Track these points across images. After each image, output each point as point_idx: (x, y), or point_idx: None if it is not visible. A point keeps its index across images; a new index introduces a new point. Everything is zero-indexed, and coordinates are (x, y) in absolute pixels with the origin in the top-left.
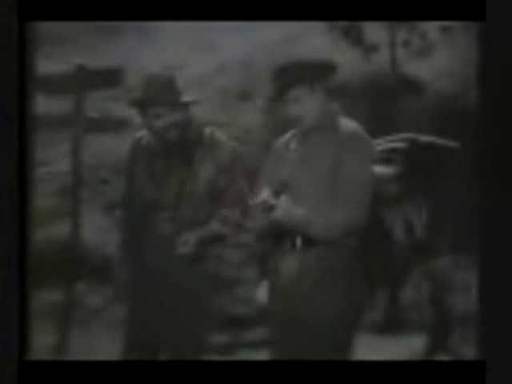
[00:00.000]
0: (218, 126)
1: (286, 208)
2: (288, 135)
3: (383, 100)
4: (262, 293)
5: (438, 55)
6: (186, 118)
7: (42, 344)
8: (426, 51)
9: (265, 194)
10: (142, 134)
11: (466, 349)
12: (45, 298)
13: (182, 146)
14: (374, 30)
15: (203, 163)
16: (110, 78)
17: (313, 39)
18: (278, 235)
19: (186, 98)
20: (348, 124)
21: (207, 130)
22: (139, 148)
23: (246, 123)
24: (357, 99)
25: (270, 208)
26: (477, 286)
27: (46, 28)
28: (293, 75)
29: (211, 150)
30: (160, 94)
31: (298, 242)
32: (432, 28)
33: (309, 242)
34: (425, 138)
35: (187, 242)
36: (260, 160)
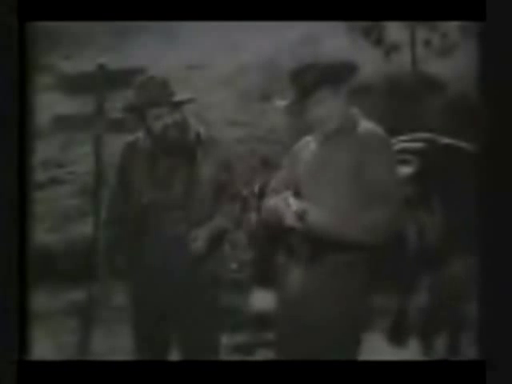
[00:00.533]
0: (240, 126)
1: (318, 214)
2: (308, 138)
3: (404, 99)
4: (261, 299)
5: (459, 55)
6: (184, 118)
7: (60, 343)
8: (446, 51)
9: (294, 204)
10: (135, 137)
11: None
12: (66, 296)
13: (182, 145)
14: (395, 30)
15: (204, 161)
16: (131, 77)
17: (334, 39)
18: (289, 242)
19: (181, 97)
20: (369, 126)
21: (202, 129)
22: (135, 151)
23: (268, 123)
24: (377, 99)
25: (303, 214)
26: (477, 287)
27: (65, 28)
28: (316, 77)
29: (210, 148)
30: (156, 94)
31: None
32: (453, 28)
33: (336, 248)
34: (442, 140)
35: (197, 237)
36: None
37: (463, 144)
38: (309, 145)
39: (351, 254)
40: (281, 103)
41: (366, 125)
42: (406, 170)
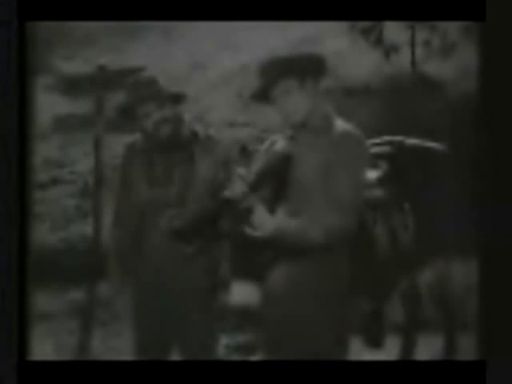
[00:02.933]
0: (238, 126)
1: (280, 222)
2: (274, 137)
3: (403, 100)
4: (239, 296)
5: (459, 55)
6: (175, 114)
7: (60, 343)
8: (446, 51)
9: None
10: (134, 139)
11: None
12: (66, 297)
13: (176, 142)
14: (394, 31)
15: (202, 160)
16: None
17: (333, 40)
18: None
19: (170, 93)
20: (342, 125)
21: (199, 128)
22: (134, 153)
23: (266, 123)
24: (377, 99)
25: (248, 211)
26: (476, 287)
27: (65, 29)
28: (279, 67)
29: (207, 146)
30: (144, 92)
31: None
32: (453, 28)
33: (302, 250)
34: (410, 142)
35: (173, 216)
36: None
37: (432, 144)
38: (276, 143)
39: (327, 257)
40: (247, 94)
41: (341, 125)
42: (376, 174)
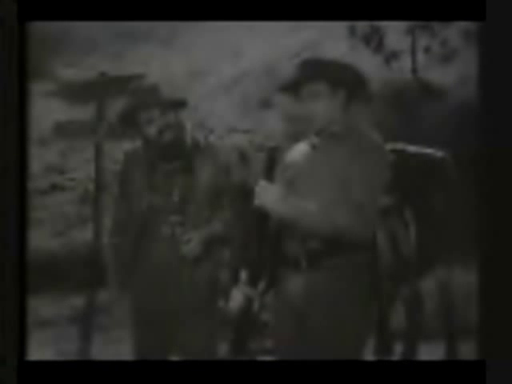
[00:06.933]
0: (240, 133)
1: (280, 195)
2: (298, 145)
3: (404, 106)
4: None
5: (459, 61)
6: (177, 121)
7: (61, 349)
8: (447, 57)
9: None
10: (135, 145)
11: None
12: (66, 303)
13: (178, 149)
14: (395, 37)
15: (202, 167)
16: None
17: (334, 46)
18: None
19: (172, 99)
20: (368, 134)
21: (199, 135)
22: (135, 159)
23: (268, 130)
24: (377, 106)
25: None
26: (477, 287)
27: (67, 35)
28: (312, 69)
29: (208, 153)
30: (146, 98)
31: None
32: (453, 34)
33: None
34: (411, 149)
35: (190, 239)
36: None
37: (433, 151)
38: (300, 149)
39: (351, 256)
40: (284, 86)
41: (367, 133)
42: None
